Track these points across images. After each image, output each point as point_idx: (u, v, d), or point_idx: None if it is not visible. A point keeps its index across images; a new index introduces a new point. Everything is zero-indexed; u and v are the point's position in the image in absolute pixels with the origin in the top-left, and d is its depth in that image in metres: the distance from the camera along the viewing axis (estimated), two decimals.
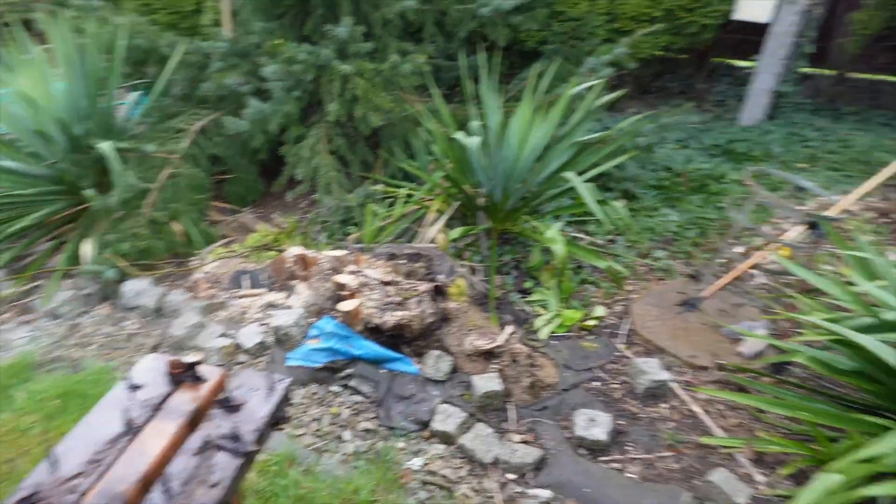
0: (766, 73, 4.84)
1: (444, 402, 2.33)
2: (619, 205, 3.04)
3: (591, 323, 2.82)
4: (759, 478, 2.11)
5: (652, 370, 2.44)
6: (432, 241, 3.03)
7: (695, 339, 2.68)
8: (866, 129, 4.98)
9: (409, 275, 2.71)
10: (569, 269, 3.01)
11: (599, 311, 2.89)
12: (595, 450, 2.19)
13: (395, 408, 2.33)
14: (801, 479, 2.08)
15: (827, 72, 5.49)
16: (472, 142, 2.96)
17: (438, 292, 2.63)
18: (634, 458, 2.18)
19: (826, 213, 2.55)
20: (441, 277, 2.69)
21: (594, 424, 2.22)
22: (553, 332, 2.77)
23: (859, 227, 3.01)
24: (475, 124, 3.14)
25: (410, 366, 2.46)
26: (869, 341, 1.96)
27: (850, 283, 2.34)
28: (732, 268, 2.95)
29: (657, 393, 2.42)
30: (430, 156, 3.54)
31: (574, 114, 3.35)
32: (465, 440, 2.18)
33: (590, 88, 3.38)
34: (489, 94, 3.32)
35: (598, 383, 2.52)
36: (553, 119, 3.18)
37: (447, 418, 2.24)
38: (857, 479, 1.81)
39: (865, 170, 4.16)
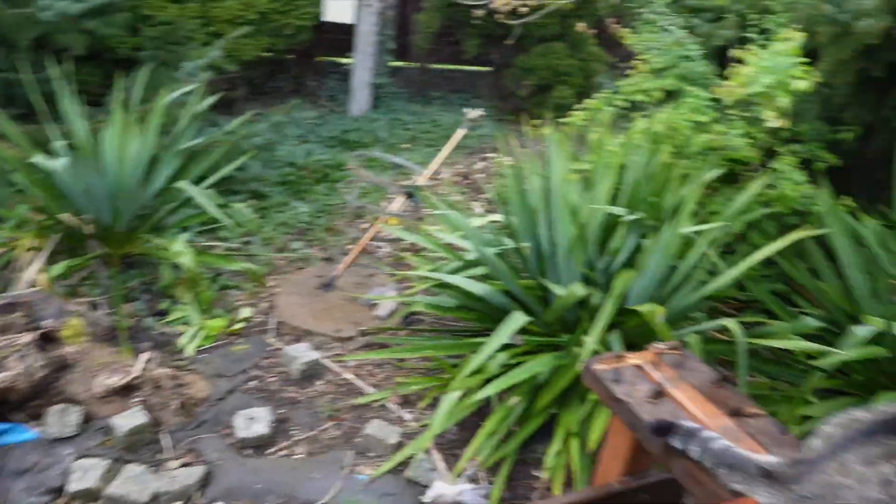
0: (362, 68, 5.39)
1: (81, 457, 2.04)
2: (243, 206, 3.06)
3: (239, 326, 2.80)
4: (407, 416, 2.41)
5: (302, 354, 2.55)
6: (33, 285, 2.60)
7: (338, 315, 2.88)
8: (450, 109, 5.95)
9: (3, 330, 2.28)
10: (205, 278, 2.91)
11: (245, 312, 2.89)
12: (260, 445, 2.20)
13: (14, 486, 1.95)
14: (436, 406, 2.44)
15: (413, 64, 6.38)
16: (58, 164, 2.61)
17: (47, 340, 2.27)
18: (300, 440, 2.27)
19: (417, 183, 3.00)
20: (48, 322, 2.33)
21: (254, 422, 2.23)
22: (200, 346, 2.66)
23: (447, 190, 3.65)
24: (60, 144, 2.78)
25: (26, 432, 2.09)
26: (458, 279, 2.40)
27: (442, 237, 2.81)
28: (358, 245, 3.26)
29: (312, 373, 2.55)
30: (12, 187, 3.00)
31: (179, 121, 3.22)
32: (114, 488, 1.95)
33: (190, 93, 3.29)
34: (72, 108, 2.96)
35: (255, 382, 2.53)
36: (153, 128, 3.01)
37: (86, 473, 1.97)
38: (472, 389, 2.22)
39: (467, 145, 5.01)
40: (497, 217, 2.84)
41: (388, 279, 3.14)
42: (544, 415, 2.31)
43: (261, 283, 3.06)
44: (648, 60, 2.76)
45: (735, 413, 1.29)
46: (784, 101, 2.30)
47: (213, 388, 2.43)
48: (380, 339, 2.78)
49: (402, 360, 2.69)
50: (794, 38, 2.42)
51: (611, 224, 2.39)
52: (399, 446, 2.23)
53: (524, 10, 3.27)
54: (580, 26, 3.67)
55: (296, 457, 2.19)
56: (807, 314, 2.56)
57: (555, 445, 2.16)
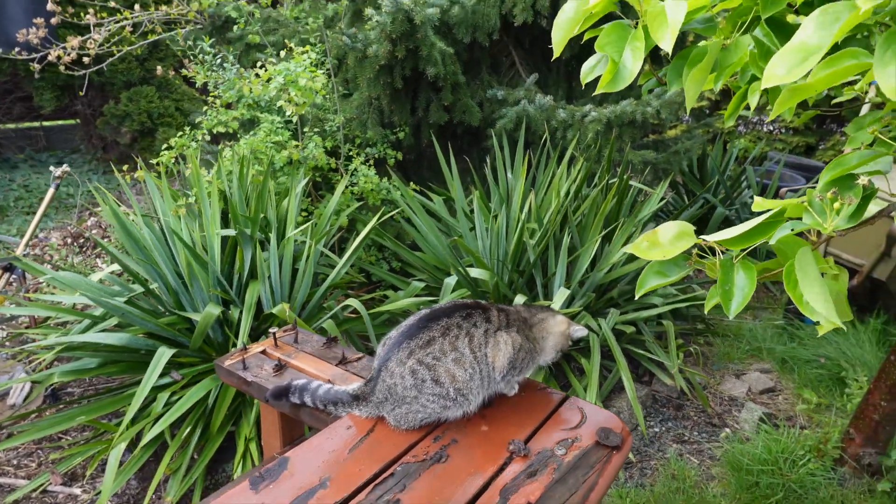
0: None
1: None
2: None
3: None
4: (78, 491, 2.34)
5: None
6: None
7: None
8: (42, 171, 5.41)
9: None
10: None
11: None
12: None
13: None
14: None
15: None
16: None
17: None
18: None
19: (16, 254, 2.80)
20: None
21: None
22: None
23: (60, 254, 3.43)
24: None
25: None
26: (92, 336, 2.41)
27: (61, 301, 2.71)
28: None
29: None
30: None
31: None
32: None
33: None
34: None
35: None
36: None
37: None
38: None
39: (56, 206, 4.61)
40: (117, 267, 2.86)
41: (13, 363, 2.87)
42: (223, 434, 2.50)
43: None
44: (220, 94, 3.11)
45: (342, 361, 1.74)
46: (297, 95, 2.89)
47: None
48: (21, 428, 2.57)
49: (60, 438, 2.55)
50: (308, 54, 3.07)
51: (232, 244, 2.68)
52: None
53: (87, 59, 3.28)
54: (159, 70, 3.81)
55: None
56: (417, 279, 3.29)
57: (238, 455, 2.38)
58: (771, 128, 7.87)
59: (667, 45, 0.97)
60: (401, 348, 1.36)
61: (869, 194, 1.03)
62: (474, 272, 3.01)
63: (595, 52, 1.15)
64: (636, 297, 1.16)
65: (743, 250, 1.07)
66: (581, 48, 4.07)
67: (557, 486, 1.25)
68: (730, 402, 3.33)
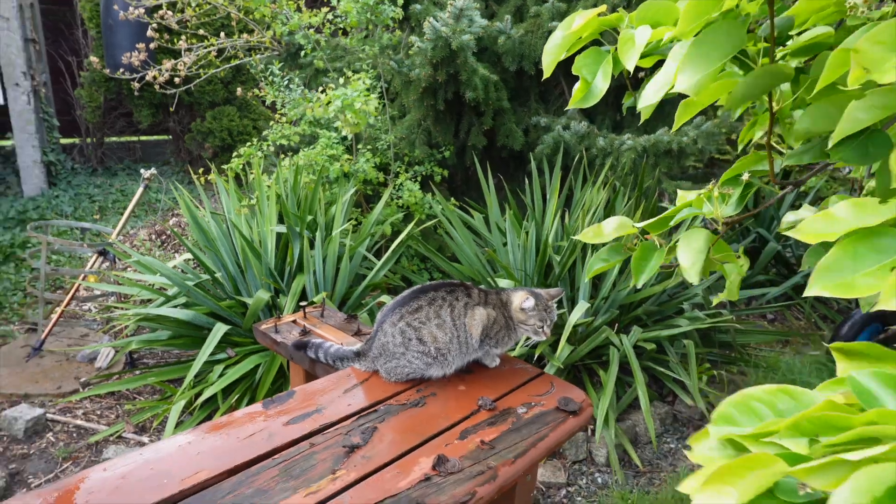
0: (26, 147, 5.27)
1: None
2: None
3: None
4: (146, 440, 2.76)
5: (23, 413, 2.71)
6: None
7: (55, 375, 3.05)
8: (137, 179, 6.13)
9: None
10: None
11: None
12: None
13: None
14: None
15: (88, 139, 6.36)
16: None
17: None
18: (40, 484, 2.47)
19: (109, 241, 3.32)
20: None
21: None
22: None
23: (145, 245, 3.97)
24: None
25: None
26: (165, 311, 2.85)
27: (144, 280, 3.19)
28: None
29: (39, 429, 2.73)
30: None
31: None
32: None
33: None
34: None
35: None
36: None
37: None
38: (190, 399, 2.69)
39: (145, 208, 5.24)
40: (190, 256, 3.32)
41: (101, 333, 3.37)
42: None
43: None
44: (286, 112, 3.56)
45: (357, 333, 2.06)
46: (352, 117, 3.25)
47: None
48: (105, 386, 3.04)
49: (134, 397, 3.00)
50: (363, 80, 3.45)
51: (285, 241, 3.09)
52: None
53: (178, 80, 3.82)
54: (239, 91, 4.35)
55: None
56: None
57: None
58: (850, 168, 7.63)
59: (630, 66, 1.09)
60: (393, 313, 1.67)
61: (750, 188, 1.25)
62: (503, 282, 3.27)
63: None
64: (585, 280, 1.41)
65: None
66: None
67: (511, 433, 1.51)
68: None
